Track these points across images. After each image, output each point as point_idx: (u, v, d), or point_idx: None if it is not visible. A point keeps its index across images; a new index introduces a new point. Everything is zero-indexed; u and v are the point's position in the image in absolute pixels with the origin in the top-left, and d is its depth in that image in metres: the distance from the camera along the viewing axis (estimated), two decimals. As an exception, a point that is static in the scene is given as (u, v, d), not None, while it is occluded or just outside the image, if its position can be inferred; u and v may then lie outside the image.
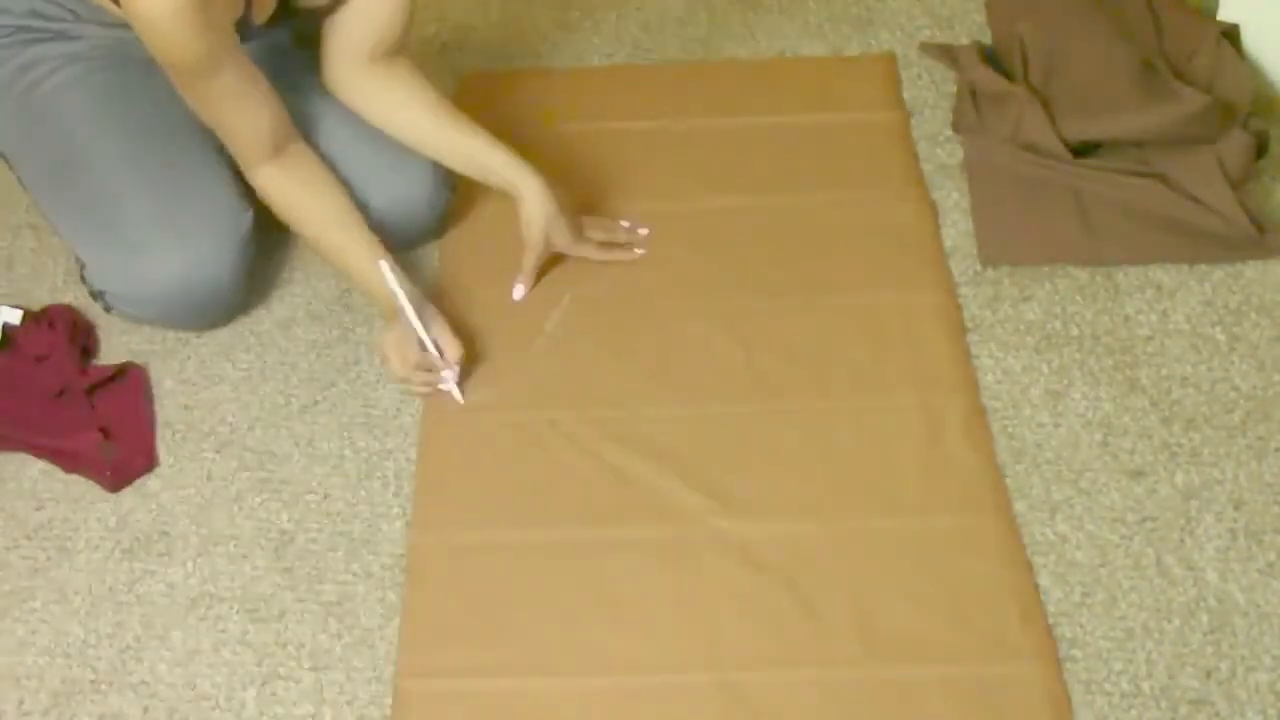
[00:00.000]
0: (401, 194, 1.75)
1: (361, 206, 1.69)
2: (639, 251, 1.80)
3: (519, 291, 1.75)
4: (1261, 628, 1.41)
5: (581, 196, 1.86)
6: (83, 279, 1.72)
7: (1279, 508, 1.51)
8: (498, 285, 1.77)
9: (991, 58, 2.04)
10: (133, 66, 1.70)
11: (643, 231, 1.82)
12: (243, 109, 1.58)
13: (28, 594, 1.49)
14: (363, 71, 1.72)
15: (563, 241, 1.75)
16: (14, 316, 1.71)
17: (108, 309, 1.73)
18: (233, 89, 1.56)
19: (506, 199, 1.72)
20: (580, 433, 1.61)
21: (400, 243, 1.77)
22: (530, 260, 1.73)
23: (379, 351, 1.67)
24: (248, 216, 1.71)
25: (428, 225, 1.81)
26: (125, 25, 1.66)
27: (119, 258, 1.66)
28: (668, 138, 1.97)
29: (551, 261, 1.76)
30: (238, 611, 1.47)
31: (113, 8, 1.64)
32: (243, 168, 1.66)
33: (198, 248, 1.65)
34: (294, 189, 1.65)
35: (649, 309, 1.74)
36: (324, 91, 1.76)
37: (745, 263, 1.79)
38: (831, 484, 1.54)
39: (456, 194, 1.82)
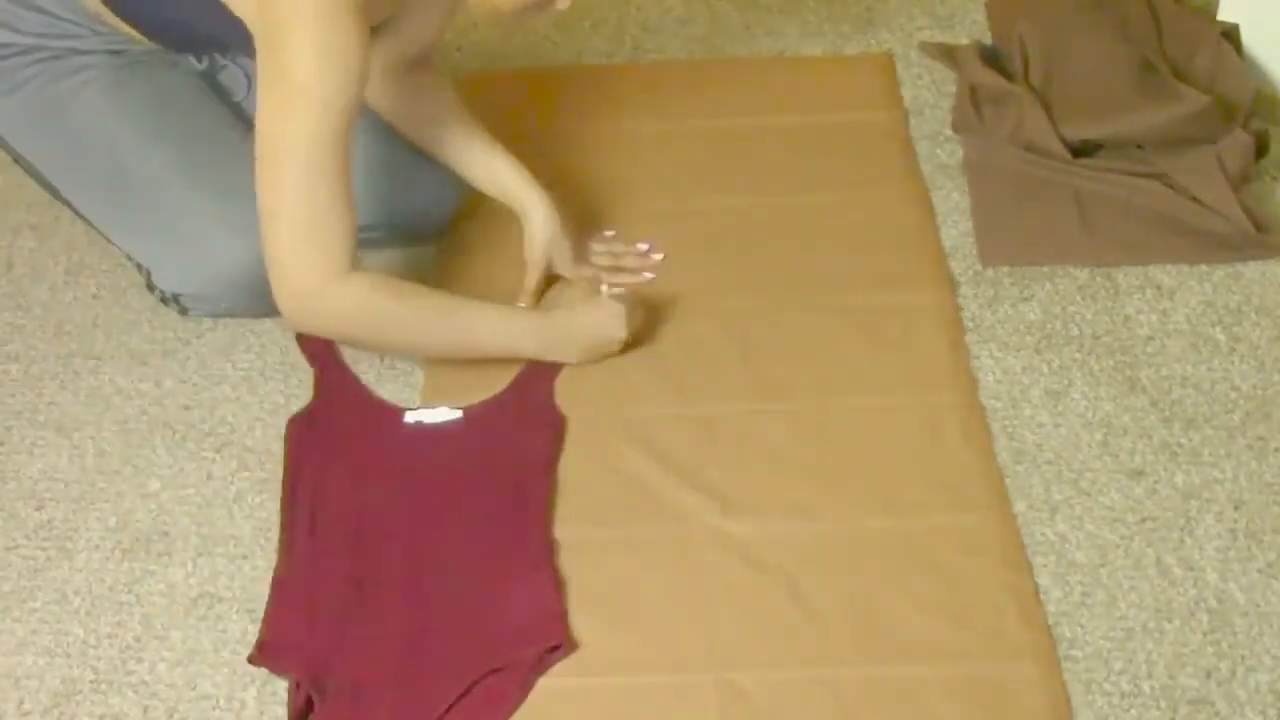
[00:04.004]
0: (419, 197, 1.76)
1: (378, 208, 1.68)
2: (647, 276, 1.77)
3: None
4: (1261, 628, 1.41)
5: (581, 197, 1.86)
6: (149, 287, 1.72)
7: (1279, 508, 1.51)
8: (495, 290, 1.77)
9: (991, 58, 2.04)
10: (152, 73, 1.70)
11: (657, 256, 1.79)
12: (345, 194, 1.48)
13: (28, 594, 1.49)
14: (398, 81, 1.71)
15: (563, 263, 1.74)
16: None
17: (184, 311, 1.73)
18: (342, 166, 1.47)
19: (502, 213, 1.72)
20: (580, 433, 1.61)
21: (405, 244, 1.78)
22: (531, 279, 1.72)
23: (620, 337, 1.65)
24: None
25: (439, 226, 1.81)
26: (134, 43, 1.66)
27: (184, 258, 1.66)
28: (667, 137, 1.97)
29: (550, 280, 1.75)
30: (238, 611, 1.46)
31: (124, 28, 1.64)
32: (315, 280, 1.48)
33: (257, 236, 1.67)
34: (394, 291, 1.54)
35: (648, 309, 1.74)
36: None
37: (745, 263, 1.79)
38: (831, 484, 1.54)
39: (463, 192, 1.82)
